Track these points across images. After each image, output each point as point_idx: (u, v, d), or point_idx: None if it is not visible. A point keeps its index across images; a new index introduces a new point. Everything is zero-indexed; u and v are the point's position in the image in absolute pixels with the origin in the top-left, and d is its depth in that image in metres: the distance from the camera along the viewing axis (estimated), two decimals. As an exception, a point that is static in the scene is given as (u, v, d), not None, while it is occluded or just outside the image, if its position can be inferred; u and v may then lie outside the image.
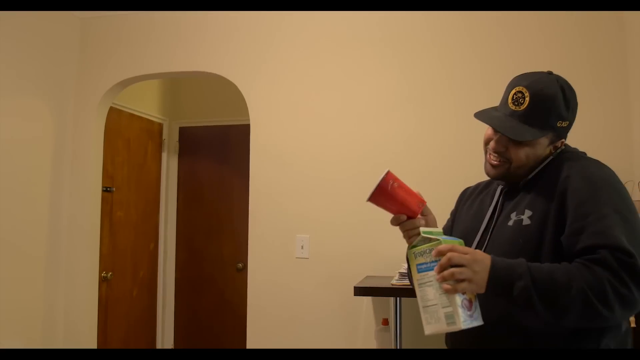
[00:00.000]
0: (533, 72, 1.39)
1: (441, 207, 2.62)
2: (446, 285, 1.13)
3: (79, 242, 3.17)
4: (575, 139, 2.44)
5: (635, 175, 2.42)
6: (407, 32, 2.80)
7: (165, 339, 4.16)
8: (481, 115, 1.38)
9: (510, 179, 1.36)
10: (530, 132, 1.31)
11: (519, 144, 1.32)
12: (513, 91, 1.35)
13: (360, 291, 2.28)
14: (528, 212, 1.28)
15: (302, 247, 2.82)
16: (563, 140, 1.37)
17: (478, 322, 1.15)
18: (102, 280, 3.47)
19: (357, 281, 2.50)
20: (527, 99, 1.32)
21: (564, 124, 1.33)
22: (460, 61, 2.71)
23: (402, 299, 2.32)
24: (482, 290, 1.15)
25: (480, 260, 1.15)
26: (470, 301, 1.15)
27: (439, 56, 2.74)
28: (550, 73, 1.38)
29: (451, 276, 1.12)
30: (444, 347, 1.51)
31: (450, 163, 2.65)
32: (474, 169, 1.58)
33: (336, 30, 2.89)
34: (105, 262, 3.51)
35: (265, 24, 3.00)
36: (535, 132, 1.31)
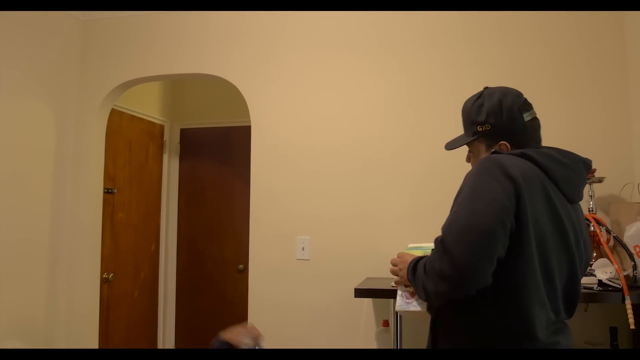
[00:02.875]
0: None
1: (439, 207, 2.65)
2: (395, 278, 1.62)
3: (81, 243, 3.18)
4: (575, 141, 2.47)
5: (635, 177, 2.43)
6: (406, 34, 2.81)
7: (166, 339, 4.18)
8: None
9: None
10: (461, 140, 1.60)
11: (470, 153, 1.60)
12: None
13: (360, 293, 2.29)
14: None
15: (302, 248, 2.83)
16: (504, 142, 1.49)
17: (415, 308, 1.56)
18: (104, 282, 3.49)
19: (357, 282, 2.51)
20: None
21: (486, 127, 1.51)
22: (459, 62, 2.72)
23: (403, 300, 2.32)
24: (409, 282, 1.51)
25: (404, 261, 1.56)
26: (412, 294, 1.58)
27: (438, 57, 2.75)
28: (485, 88, 1.58)
29: (391, 272, 1.62)
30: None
31: (450, 164, 2.65)
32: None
33: (336, 33, 2.90)
34: (107, 263, 3.52)
35: (266, 26, 3.01)
36: (463, 139, 1.59)
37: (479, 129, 1.51)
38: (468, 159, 1.64)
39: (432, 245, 1.51)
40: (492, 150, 1.49)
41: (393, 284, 2.30)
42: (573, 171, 1.44)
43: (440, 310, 1.47)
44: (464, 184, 1.37)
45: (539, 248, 1.32)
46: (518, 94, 1.52)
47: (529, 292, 1.31)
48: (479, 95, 1.55)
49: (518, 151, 1.42)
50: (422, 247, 1.69)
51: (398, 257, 1.62)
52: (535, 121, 1.52)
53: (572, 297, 1.44)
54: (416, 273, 1.44)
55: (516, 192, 1.29)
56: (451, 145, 1.64)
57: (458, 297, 1.30)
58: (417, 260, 1.47)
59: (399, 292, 1.62)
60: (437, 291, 1.31)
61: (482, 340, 1.35)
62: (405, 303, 1.59)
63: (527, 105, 1.51)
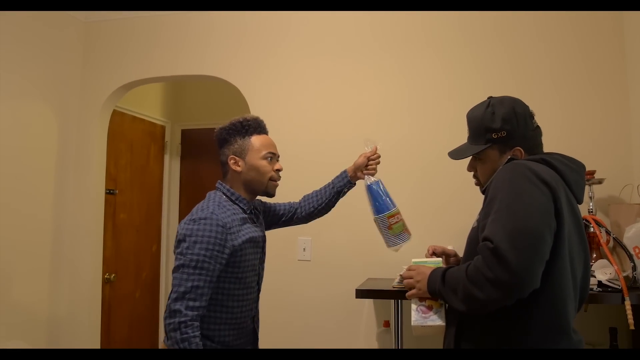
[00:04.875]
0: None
1: (439, 208, 2.66)
2: (408, 292, 1.58)
3: (83, 244, 3.20)
4: (575, 142, 2.48)
5: (635, 178, 2.44)
6: (405, 36, 2.82)
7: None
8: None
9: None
10: (470, 149, 1.58)
11: (478, 161, 1.59)
12: None
13: (361, 294, 2.30)
14: (477, 217, 1.49)
15: (304, 249, 2.84)
16: (518, 148, 1.52)
17: (433, 322, 1.52)
18: (105, 282, 3.50)
19: (358, 283, 2.52)
20: (467, 125, 1.63)
21: (501, 134, 1.52)
22: (458, 63, 2.73)
23: (403, 301, 2.34)
24: (428, 294, 1.51)
25: (421, 273, 1.54)
26: (429, 307, 1.54)
27: (437, 59, 2.76)
28: (489, 98, 1.61)
29: (405, 285, 1.59)
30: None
31: (449, 164, 2.66)
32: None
33: (336, 35, 2.92)
34: (108, 263, 3.53)
35: (267, 29, 3.02)
36: (474, 148, 1.57)
37: (494, 136, 1.52)
38: (471, 168, 1.63)
39: (436, 260, 1.63)
40: (508, 156, 1.51)
41: (394, 285, 2.32)
42: (580, 175, 1.50)
43: (466, 314, 1.42)
44: (496, 191, 1.37)
45: (568, 248, 1.37)
46: (523, 102, 1.57)
47: (564, 291, 1.35)
48: (488, 104, 1.56)
49: (537, 157, 1.47)
50: (427, 262, 1.63)
51: (411, 269, 1.59)
52: (539, 128, 1.58)
53: (585, 294, 1.50)
54: (447, 283, 1.42)
55: (553, 196, 1.34)
56: (460, 155, 1.61)
57: (510, 302, 1.29)
58: (445, 270, 1.45)
59: (414, 307, 1.55)
60: (489, 298, 1.28)
61: (517, 341, 1.35)
62: (422, 317, 1.53)
63: (532, 113, 1.57)
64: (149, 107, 4.10)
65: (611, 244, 2.22)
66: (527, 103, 1.59)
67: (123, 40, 3.27)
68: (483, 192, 1.55)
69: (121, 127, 3.72)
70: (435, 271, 1.50)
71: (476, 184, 1.65)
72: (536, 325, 1.34)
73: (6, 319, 2.76)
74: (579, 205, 1.49)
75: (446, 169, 2.68)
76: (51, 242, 3.09)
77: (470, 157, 1.62)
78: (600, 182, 2.33)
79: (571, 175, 1.45)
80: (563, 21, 2.61)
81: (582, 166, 1.53)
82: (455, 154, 1.63)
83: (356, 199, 2.81)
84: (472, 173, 1.65)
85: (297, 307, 2.85)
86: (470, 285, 1.31)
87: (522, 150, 1.52)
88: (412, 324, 1.53)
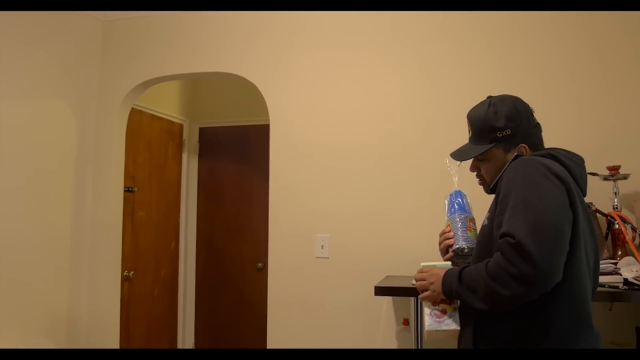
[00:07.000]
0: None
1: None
2: (421, 294, 1.56)
3: (102, 241, 3.21)
4: (598, 136, 2.42)
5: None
6: (425, 31, 2.78)
7: (186, 337, 4.20)
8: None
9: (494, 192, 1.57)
10: (475, 149, 1.58)
11: (482, 161, 1.58)
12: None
13: (380, 291, 2.28)
14: (487, 214, 1.50)
15: (322, 246, 2.82)
16: (523, 145, 1.53)
17: (447, 326, 1.51)
18: (124, 279, 3.52)
19: (377, 281, 2.50)
20: (469, 125, 1.62)
21: (506, 132, 1.52)
22: (478, 59, 2.68)
23: (423, 299, 2.31)
24: (442, 296, 1.49)
25: (435, 274, 1.52)
26: (443, 311, 1.52)
27: (457, 54, 2.72)
28: (488, 97, 1.62)
29: (418, 287, 1.57)
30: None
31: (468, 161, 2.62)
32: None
33: (354, 30, 2.89)
34: (127, 261, 3.55)
35: (284, 24, 3.01)
36: (479, 148, 1.56)
37: (499, 134, 1.53)
38: (475, 169, 1.63)
39: (446, 263, 1.60)
40: (514, 154, 1.51)
41: (413, 282, 2.29)
42: (583, 168, 1.52)
43: (484, 313, 1.40)
44: (509, 186, 1.37)
45: (583, 239, 1.37)
46: (523, 100, 1.59)
47: (582, 282, 1.36)
48: (489, 103, 1.57)
49: (544, 152, 1.49)
50: (437, 265, 1.60)
51: (423, 271, 1.58)
52: (539, 125, 1.60)
53: (596, 284, 1.51)
54: (465, 282, 1.40)
55: (566, 189, 1.35)
56: (465, 156, 1.61)
57: (534, 297, 1.28)
58: (461, 270, 1.44)
59: (427, 311, 1.53)
60: (514, 295, 1.27)
61: (540, 336, 1.34)
62: (437, 322, 1.51)
63: (532, 110, 1.59)
64: (167, 105, 4.12)
65: (637, 240, 2.17)
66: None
67: (140, 39, 3.29)
68: (490, 192, 1.56)
69: (139, 125, 3.74)
70: (450, 271, 1.49)
71: (480, 184, 1.65)
72: (561, 317, 1.34)
73: (26, 317, 2.79)
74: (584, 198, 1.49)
75: (467, 163, 2.64)
76: (70, 239, 3.11)
77: (472, 158, 1.62)
78: (625, 177, 2.28)
79: (576, 169, 1.47)
80: (581, 19, 2.55)
81: (583, 160, 1.54)
82: (459, 155, 1.63)
83: (375, 195, 2.79)
84: (474, 172, 1.65)
85: (315, 305, 2.83)
86: (492, 283, 1.30)
87: (526, 147, 1.53)
88: (425, 329, 1.51)
